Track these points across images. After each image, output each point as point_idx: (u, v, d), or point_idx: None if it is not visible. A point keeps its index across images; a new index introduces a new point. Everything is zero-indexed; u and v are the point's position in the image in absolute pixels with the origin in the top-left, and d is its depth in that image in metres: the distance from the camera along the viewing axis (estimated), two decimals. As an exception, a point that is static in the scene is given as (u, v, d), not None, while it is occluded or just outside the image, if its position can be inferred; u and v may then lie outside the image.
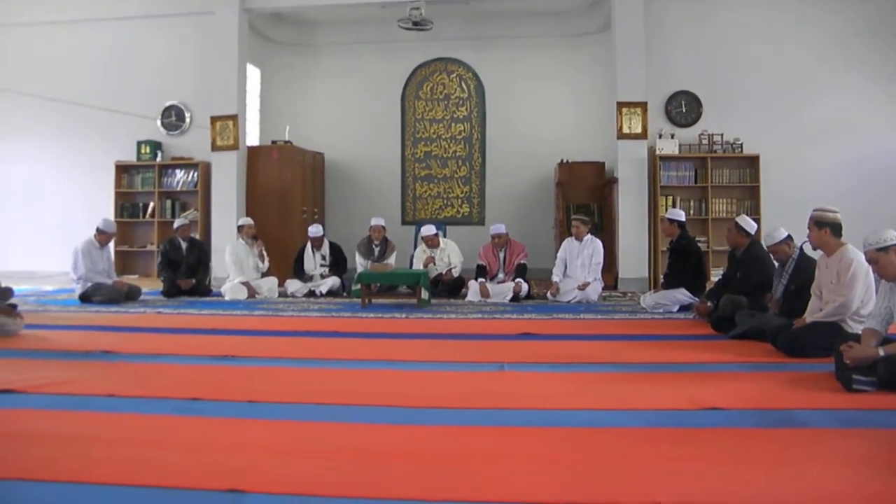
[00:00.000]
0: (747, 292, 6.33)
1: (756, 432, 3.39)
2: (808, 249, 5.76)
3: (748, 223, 6.80)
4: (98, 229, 8.73)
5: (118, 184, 11.13)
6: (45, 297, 8.96)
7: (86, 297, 8.44)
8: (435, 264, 9.25)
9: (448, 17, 11.53)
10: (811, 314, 5.23)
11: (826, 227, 5.14)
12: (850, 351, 4.11)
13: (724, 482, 2.72)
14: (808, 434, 3.38)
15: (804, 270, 5.66)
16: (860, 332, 4.55)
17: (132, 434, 3.35)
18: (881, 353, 4.03)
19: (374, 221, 9.58)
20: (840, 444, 3.20)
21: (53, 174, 11.51)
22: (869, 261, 4.35)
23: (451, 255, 9.41)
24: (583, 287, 8.45)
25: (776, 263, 6.15)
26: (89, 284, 8.49)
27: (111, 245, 9.29)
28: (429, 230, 9.52)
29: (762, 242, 5.98)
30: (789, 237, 5.86)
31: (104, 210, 10.48)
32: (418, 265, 9.32)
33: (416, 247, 9.96)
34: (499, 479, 2.77)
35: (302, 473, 2.83)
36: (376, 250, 9.48)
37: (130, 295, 8.70)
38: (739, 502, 2.53)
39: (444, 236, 9.92)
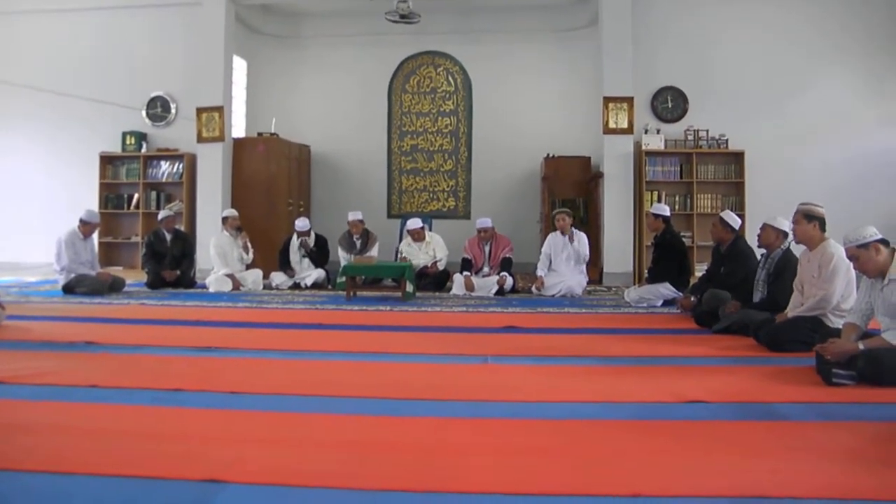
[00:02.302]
0: (731, 287, 6.37)
1: (738, 425, 3.42)
2: (793, 248, 5.79)
3: (732, 218, 6.85)
4: (81, 220, 8.69)
5: (103, 175, 11.07)
6: (27, 289, 8.89)
7: (69, 289, 8.40)
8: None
9: (435, 11, 11.49)
10: (793, 309, 5.28)
11: (815, 221, 5.20)
12: (831, 345, 4.15)
13: (706, 474, 2.74)
14: (788, 427, 3.40)
15: (789, 265, 5.71)
16: (841, 326, 4.60)
17: (113, 424, 3.33)
18: (861, 347, 4.07)
19: (352, 216, 9.55)
20: (820, 437, 3.22)
21: (37, 165, 11.45)
22: (850, 257, 4.38)
23: (436, 249, 9.41)
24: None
25: (759, 256, 6.18)
26: (73, 276, 8.46)
27: (95, 236, 9.22)
28: (415, 223, 9.52)
29: (764, 222, 6.00)
30: (786, 234, 5.87)
31: (88, 201, 10.43)
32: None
33: (401, 240, 9.97)
34: (481, 470, 2.77)
35: (284, 464, 2.82)
36: (357, 243, 9.47)
37: (114, 286, 8.68)
38: (720, 494, 2.54)
39: (430, 230, 9.92)
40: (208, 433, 3.22)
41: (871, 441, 3.18)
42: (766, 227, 5.97)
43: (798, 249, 5.63)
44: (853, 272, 4.81)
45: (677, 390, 3.93)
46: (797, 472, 2.75)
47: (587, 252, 8.71)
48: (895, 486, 2.62)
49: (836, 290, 4.99)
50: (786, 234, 5.86)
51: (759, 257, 6.25)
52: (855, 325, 4.38)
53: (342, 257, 9.40)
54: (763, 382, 4.21)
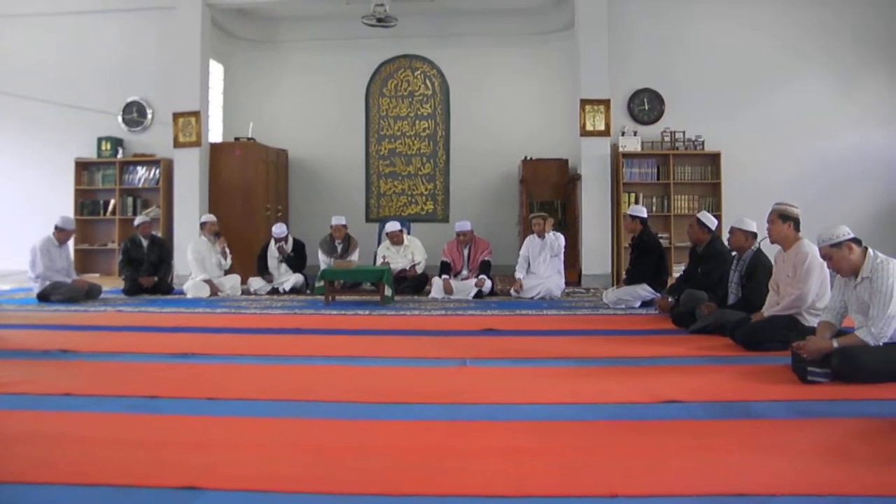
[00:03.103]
0: (708, 287, 6.41)
1: (714, 424, 3.44)
2: (765, 247, 5.85)
3: (709, 219, 6.89)
4: (56, 227, 8.60)
5: (78, 181, 10.96)
6: (1, 297, 8.80)
7: (44, 297, 8.31)
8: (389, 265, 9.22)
9: (412, 14, 11.51)
10: (769, 308, 5.33)
11: (790, 221, 5.27)
12: (806, 343, 4.18)
13: (681, 473, 2.75)
14: (764, 425, 3.43)
15: (759, 265, 5.77)
16: (816, 325, 4.64)
17: (87, 433, 3.30)
18: (835, 345, 4.11)
19: (336, 221, 9.54)
20: (795, 435, 3.26)
21: (11, 171, 11.29)
22: (823, 256, 4.41)
23: (414, 253, 9.42)
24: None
25: (733, 257, 6.24)
26: (48, 283, 8.37)
27: (70, 243, 9.12)
28: (393, 226, 9.53)
29: (732, 225, 6.06)
30: (755, 235, 5.94)
31: (63, 207, 10.30)
32: (378, 263, 9.32)
33: (379, 244, 9.97)
34: (458, 473, 2.77)
35: (261, 469, 2.81)
36: (339, 248, 9.45)
37: (90, 293, 8.58)
38: (695, 492, 2.56)
39: (409, 233, 9.91)
40: (184, 440, 3.19)
41: (845, 437, 3.22)
42: (734, 231, 6.03)
43: (768, 249, 5.68)
44: (827, 271, 4.86)
45: (654, 390, 3.94)
46: (773, 469, 2.77)
47: (562, 244, 8.69)
48: (869, 481, 2.65)
49: (810, 289, 5.05)
50: (755, 235, 5.93)
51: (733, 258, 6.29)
52: (829, 323, 4.42)
53: (322, 261, 9.38)
54: (739, 381, 4.25)
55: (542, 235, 8.71)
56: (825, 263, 4.62)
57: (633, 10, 10.56)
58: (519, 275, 8.72)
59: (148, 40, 11.04)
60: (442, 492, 2.60)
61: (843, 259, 4.23)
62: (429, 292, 8.84)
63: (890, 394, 3.82)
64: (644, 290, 7.72)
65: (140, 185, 10.95)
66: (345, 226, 9.55)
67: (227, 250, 9.26)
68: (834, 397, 3.82)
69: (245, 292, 9.21)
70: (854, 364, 4.01)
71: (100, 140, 10.98)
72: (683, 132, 10.31)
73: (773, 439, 3.18)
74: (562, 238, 8.74)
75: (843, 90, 10.45)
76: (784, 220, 5.27)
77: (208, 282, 8.93)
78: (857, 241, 4.23)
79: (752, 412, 3.60)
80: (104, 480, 2.69)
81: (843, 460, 2.89)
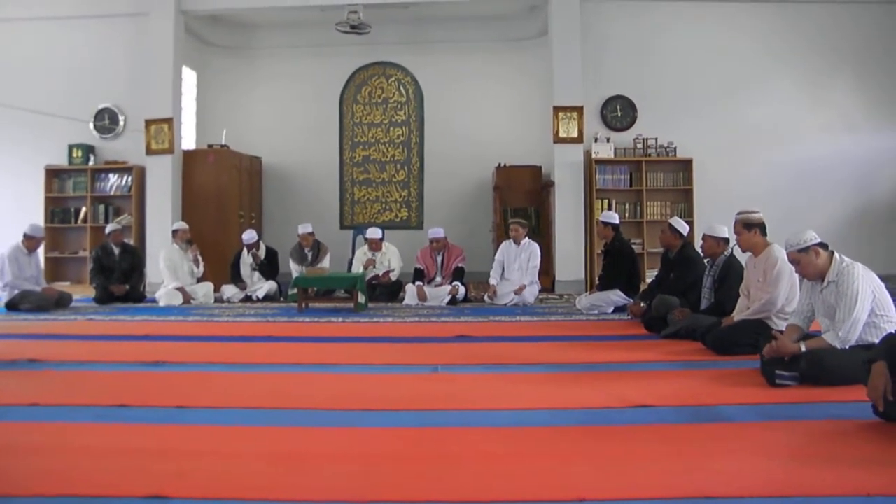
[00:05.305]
0: (680, 293, 6.45)
1: (683, 428, 3.46)
2: (738, 253, 5.90)
3: (681, 225, 6.94)
4: (25, 234, 8.52)
5: (48, 188, 10.82)
6: (-31, 306, 8.68)
7: (13, 305, 8.23)
8: (375, 267, 9.23)
9: (386, 22, 11.51)
10: (739, 313, 5.38)
11: (755, 228, 5.33)
12: (777, 343, 4.24)
13: (649, 477, 2.76)
14: (732, 428, 3.45)
15: (732, 270, 5.82)
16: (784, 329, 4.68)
17: (53, 443, 3.25)
18: (803, 348, 4.15)
19: (302, 229, 9.50)
20: (762, 437, 3.28)
21: (-22, 178, 11.15)
22: (791, 261, 4.46)
23: (391, 259, 9.43)
24: (519, 291, 8.50)
25: (706, 263, 6.29)
26: (16, 292, 8.29)
27: (40, 251, 9.03)
28: (374, 233, 9.53)
29: (703, 232, 6.13)
30: (726, 240, 6.00)
31: (34, 215, 10.16)
32: (358, 267, 9.31)
33: (353, 251, 9.94)
34: (428, 479, 2.77)
35: (231, 477, 2.78)
36: (309, 255, 9.41)
37: (60, 302, 8.50)
38: (662, 495, 2.57)
39: (384, 240, 9.90)
40: (151, 448, 3.15)
41: (812, 439, 3.25)
42: (705, 237, 6.11)
43: (742, 254, 5.73)
44: (797, 276, 4.91)
45: (625, 395, 3.97)
46: (741, 471, 2.79)
47: (537, 263, 8.73)
48: (835, 482, 2.68)
49: (780, 293, 5.11)
50: (726, 240, 5.99)
51: (706, 263, 6.35)
52: (797, 326, 4.46)
53: (294, 269, 9.33)
54: (709, 385, 4.28)
55: (517, 241, 8.74)
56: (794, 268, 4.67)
57: (606, 18, 10.63)
58: (493, 281, 8.74)
59: (120, 47, 10.93)
60: (412, 497, 2.59)
61: (809, 264, 4.27)
62: (402, 299, 8.84)
63: (856, 396, 3.84)
64: (617, 296, 7.76)
65: (112, 193, 10.85)
66: (311, 233, 9.50)
67: (200, 258, 9.20)
68: (801, 400, 3.85)
69: (218, 300, 9.15)
70: (821, 367, 4.05)
71: (71, 147, 10.87)
72: (656, 139, 10.38)
73: (742, 442, 3.20)
74: (537, 250, 8.75)
75: (812, 97, 10.60)
76: (749, 228, 5.33)
77: (181, 290, 8.86)
78: (823, 245, 4.28)
79: (721, 416, 3.63)
80: (70, 491, 2.66)
81: (810, 462, 2.92)
